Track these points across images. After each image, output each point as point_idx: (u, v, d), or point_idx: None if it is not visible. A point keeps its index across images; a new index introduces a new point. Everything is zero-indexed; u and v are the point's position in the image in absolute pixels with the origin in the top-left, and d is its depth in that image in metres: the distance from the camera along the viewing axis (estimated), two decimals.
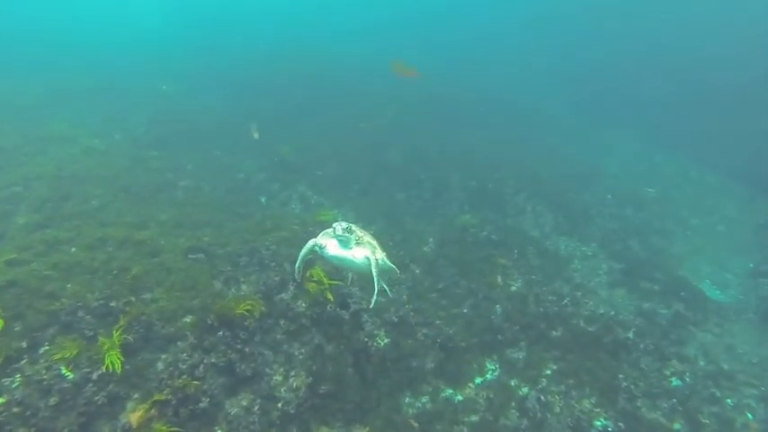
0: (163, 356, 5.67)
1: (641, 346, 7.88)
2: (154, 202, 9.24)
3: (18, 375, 5.13)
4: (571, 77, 30.09)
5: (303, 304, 6.87)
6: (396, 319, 7.75)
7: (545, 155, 18.66)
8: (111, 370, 5.15)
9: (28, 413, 4.75)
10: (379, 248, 5.47)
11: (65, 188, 9.10)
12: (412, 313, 7.99)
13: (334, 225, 5.13)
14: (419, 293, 8.81)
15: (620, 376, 7.25)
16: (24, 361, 5.27)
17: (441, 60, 32.18)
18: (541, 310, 8.59)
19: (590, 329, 8.15)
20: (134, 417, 4.88)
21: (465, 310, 8.58)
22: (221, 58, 25.26)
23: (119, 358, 5.28)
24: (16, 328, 5.62)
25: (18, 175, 9.83)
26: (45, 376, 5.06)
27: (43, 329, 5.64)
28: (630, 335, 8.06)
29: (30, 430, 4.58)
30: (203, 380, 5.39)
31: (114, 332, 5.51)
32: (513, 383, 7.35)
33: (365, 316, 7.56)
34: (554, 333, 8.14)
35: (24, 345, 5.41)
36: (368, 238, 5.44)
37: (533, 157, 17.70)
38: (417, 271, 9.51)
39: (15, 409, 4.74)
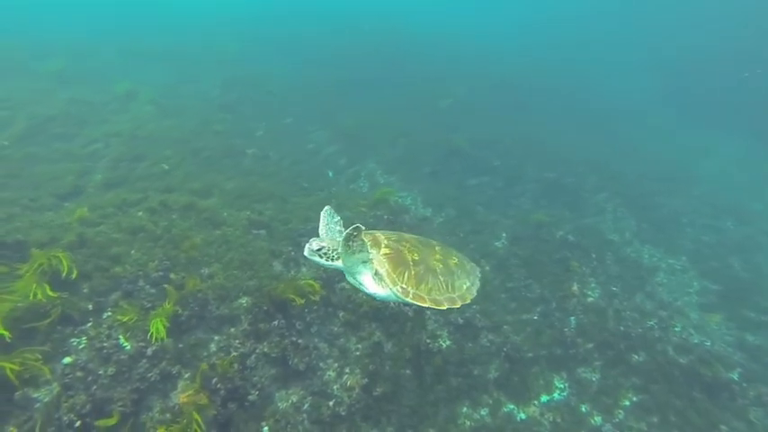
0: (216, 338, 5.48)
1: (751, 393, 6.74)
2: (220, 168, 9.13)
3: (84, 338, 5.14)
4: (658, 69, 27.24)
5: (365, 297, 6.46)
6: (461, 321, 7.17)
7: (628, 153, 17.00)
8: (156, 338, 5.03)
9: (89, 379, 4.72)
10: (407, 275, 3.91)
11: (139, 148, 9.21)
12: (478, 315, 7.36)
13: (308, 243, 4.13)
14: (487, 293, 8.14)
15: (723, 428, 6.24)
16: (90, 324, 5.28)
17: (515, 46, 30.32)
18: (621, 328, 7.66)
19: (681, 361, 7.14)
20: (183, 399, 4.70)
21: (535, 317, 7.84)
22: (298, 26, 25.06)
23: (164, 325, 5.14)
24: (84, 290, 5.66)
25: (101, 131, 10.12)
26: (105, 344, 5.02)
27: (107, 294, 5.64)
28: (735, 376, 6.95)
29: (89, 398, 4.51)
30: (254, 370, 5.13)
31: (167, 304, 5.37)
32: (583, 409, 6.60)
33: (429, 314, 7.05)
34: (635, 357, 7.22)
35: (90, 307, 5.43)
36: (385, 256, 3.97)
37: (615, 155, 16.15)
38: (487, 268, 8.82)
39: (79, 373, 4.73)
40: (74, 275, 5.51)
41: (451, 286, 4.09)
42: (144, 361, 4.95)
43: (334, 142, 12.31)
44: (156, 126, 10.44)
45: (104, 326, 5.26)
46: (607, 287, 8.80)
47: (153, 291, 5.75)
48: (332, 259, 4.11)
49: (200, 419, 4.44)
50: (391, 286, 3.89)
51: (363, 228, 3.97)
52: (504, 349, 7.01)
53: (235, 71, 16.70)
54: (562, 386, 6.98)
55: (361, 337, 6.27)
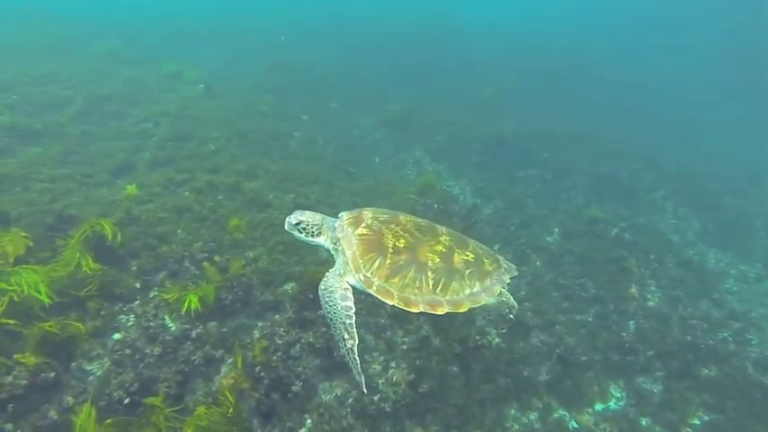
0: (259, 324, 5.36)
1: None
2: (266, 150, 9.04)
3: (132, 316, 5.14)
4: (730, 55, 25.13)
5: None
6: (511, 317, 6.75)
7: (691, 148, 15.85)
8: (190, 308, 4.96)
9: (137, 357, 4.71)
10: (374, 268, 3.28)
11: (186, 128, 9.23)
12: (530, 313, 6.95)
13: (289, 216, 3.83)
14: (538, 289, 7.70)
15: None
16: (137, 302, 5.28)
17: (566, 32, 28.88)
18: (688, 337, 7.05)
19: (765, 381, 6.47)
20: (226, 384, 4.58)
21: (590, 319, 7.34)
22: (344, 11, 24.79)
23: (196, 297, 5.04)
24: (133, 267, 5.66)
25: (151, 111, 10.24)
26: (152, 323, 4.99)
27: (154, 273, 5.62)
28: None
29: (136, 376, 4.48)
30: (298, 360, 4.95)
31: (207, 286, 5.26)
32: (644, 423, 6.10)
33: (478, 309, 6.70)
34: (705, 372, 6.62)
35: (138, 285, 5.43)
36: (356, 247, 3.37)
37: (676, 150, 15.07)
38: (538, 263, 8.36)
39: (128, 351, 4.72)
40: (118, 240, 5.51)
41: (443, 286, 3.25)
42: (188, 343, 4.88)
43: (380, 128, 12.03)
44: (202, 106, 10.48)
45: (151, 305, 5.24)
46: (669, 291, 8.16)
47: (197, 272, 5.69)
48: (311, 235, 3.73)
49: (236, 403, 4.29)
50: (353, 273, 3.29)
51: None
52: (557, 351, 6.58)
53: (280, 54, 16.65)
54: (619, 395, 6.49)
55: (408, 330, 6.02)
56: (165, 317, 5.09)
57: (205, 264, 5.58)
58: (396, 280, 3.25)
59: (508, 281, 3.65)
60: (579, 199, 11.81)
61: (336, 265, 3.52)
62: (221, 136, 8.99)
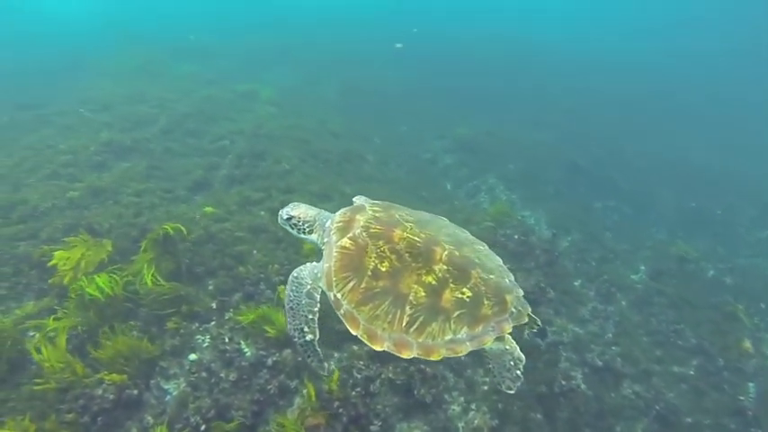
0: (336, 355, 5.10)
1: None
2: (340, 172, 8.98)
3: (208, 336, 5.08)
4: None
5: None
6: (600, 363, 6.14)
7: None
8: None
9: (212, 381, 4.60)
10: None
11: (261, 146, 9.39)
12: (619, 359, 6.26)
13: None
14: (627, 332, 6.99)
15: None
16: (213, 323, 5.21)
17: (640, 51, 27.49)
18: None
19: None
20: (300, 417, 4.35)
21: (691, 372, 6.52)
22: (415, 31, 25.06)
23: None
24: (210, 286, 5.64)
25: (227, 129, 10.57)
26: (228, 347, 4.88)
27: (230, 294, 5.55)
28: None
29: (213, 402, 4.36)
30: (377, 397, 4.64)
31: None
32: None
33: (562, 349, 6.14)
34: None
35: (214, 306, 5.38)
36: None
37: None
38: (624, 303, 7.64)
39: (204, 374, 4.62)
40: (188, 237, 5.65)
41: (418, 326, 2.75)
42: (264, 371, 4.71)
43: (451, 152, 11.79)
44: (276, 125, 10.67)
45: (226, 327, 5.17)
46: None
47: (272, 295, 5.57)
48: (303, 232, 3.44)
49: None
50: (326, 289, 2.99)
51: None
52: (657, 407, 5.84)
53: (351, 74, 16.92)
54: None
55: (488, 370, 5.56)
56: (241, 341, 4.97)
57: (280, 287, 5.46)
58: (366, 308, 2.83)
59: (509, 330, 2.92)
60: (663, 234, 10.92)
61: (318, 264, 3.15)
62: (294, 156, 9.05)
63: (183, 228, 5.80)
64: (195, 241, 6.12)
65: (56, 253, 5.61)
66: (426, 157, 11.59)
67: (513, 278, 3.10)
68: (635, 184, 12.76)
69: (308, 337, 3.06)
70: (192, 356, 4.95)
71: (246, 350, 4.93)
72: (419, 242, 2.90)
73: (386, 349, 2.77)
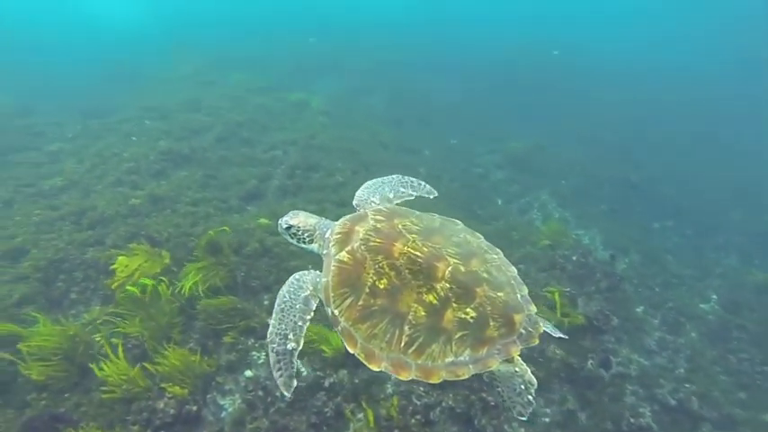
0: (393, 377, 4.93)
1: None
2: None
3: (263, 353, 5.04)
4: None
5: (559, 351, 5.47)
6: (672, 402, 5.70)
7: None
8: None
9: (268, 400, 4.54)
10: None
11: (313, 157, 9.41)
12: (695, 398, 5.78)
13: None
14: (702, 368, 6.47)
15: None
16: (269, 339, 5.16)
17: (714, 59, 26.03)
18: None
19: None
20: None
21: None
22: (465, 44, 24.87)
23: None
24: (265, 302, 5.62)
25: (279, 138, 10.69)
26: None
27: None
28: None
29: (270, 424, 4.31)
30: (437, 426, 4.45)
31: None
32: None
33: (627, 382, 5.75)
34: None
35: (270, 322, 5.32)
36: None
37: None
38: (694, 335, 7.10)
39: (260, 393, 4.58)
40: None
41: (417, 347, 2.62)
42: (321, 393, 4.62)
43: (502, 167, 11.50)
44: (328, 136, 10.70)
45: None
46: None
47: (329, 314, 5.48)
48: (303, 242, 3.26)
49: None
50: (324, 305, 2.85)
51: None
52: None
53: (398, 84, 16.89)
54: None
55: (550, 399, 5.29)
56: (298, 361, 4.88)
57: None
58: (363, 327, 2.68)
59: (516, 353, 2.69)
60: (734, 260, 10.16)
61: (321, 275, 2.96)
62: (347, 167, 9.02)
63: (233, 239, 5.82)
64: (250, 254, 6.15)
65: (119, 257, 5.78)
66: (477, 172, 11.34)
67: (526, 293, 2.84)
68: (697, 204, 12.01)
69: (290, 345, 2.85)
70: (248, 373, 4.93)
71: (303, 370, 4.86)
72: (420, 258, 2.72)
73: (383, 370, 2.63)
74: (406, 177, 3.72)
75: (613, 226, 10.42)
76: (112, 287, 5.48)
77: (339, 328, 2.76)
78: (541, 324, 2.76)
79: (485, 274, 2.74)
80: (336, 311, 2.75)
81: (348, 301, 2.73)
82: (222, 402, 4.67)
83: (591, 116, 16.69)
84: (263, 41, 23.25)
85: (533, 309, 2.77)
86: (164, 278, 5.34)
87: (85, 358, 4.69)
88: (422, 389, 4.65)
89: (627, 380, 5.78)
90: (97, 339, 4.97)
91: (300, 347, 2.82)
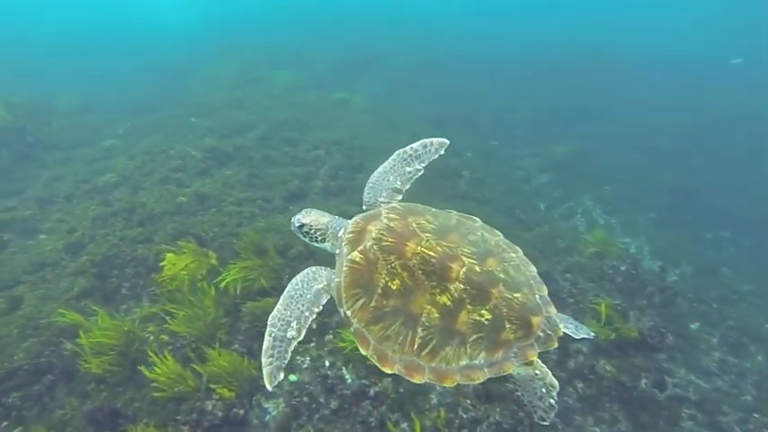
0: (437, 388, 4.85)
1: None
2: (437, 189, 8.73)
3: (308, 358, 5.03)
4: None
5: (610, 368, 5.24)
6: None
7: None
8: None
9: (313, 406, 4.53)
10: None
11: (357, 158, 9.38)
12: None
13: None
14: None
15: None
16: (313, 344, 5.16)
17: None
18: None
19: None
20: None
21: None
22: (509, 37, 24.40)
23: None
24: None
25: (321, 138, 10.72)
26: (329, 372, 4.80)
27: (330, 315, 5.45)
28: None
29: (312, 431, 4.29)
30: None
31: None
32: None
33: (685, 406, 5.43)
34: None
35: (314, 326, 5.32)
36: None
37: None
38: (760, 358, 6.64)
39: (305, 399, 4.57)
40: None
41: (431, 350, 2.56)
42: (366, 402, 4.56)
43: (545, 171, 11.18)
44: (371, 136, 10.65)
45: (326, 349, 5.10)
46: None
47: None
48: (315, 240, 3.22)
49: None
50: (337, 305, 2.79)
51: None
52: None
53: (437, 83, 16.69)
54: None
55: (599, 418, 5.07)
56: (343, 368, 4.87)
57: None
58: (376, 328, 2.63)
59: (533, 357, 2.57)
60: None
61: (334, 275, 2.90)
62: None
63: (278, 241, 5.85)
64: (295, 257, 6.17)
65: (167, 255, 5.90)
66: (519, 175, 11.07)
67: (546, 293, 2.70)
68: (757, 214, 11.23)
69: (291, 333, 2.76)
70: (292, 377, 4.94)
71: (348, 377, 4.83)
72: (434, 258, 2.63)
73: (396, 372, 2.58)
74: (408, 148, 3.55)
75: (662, 235, 9.92)
76: (160, 284, 5.63)
77: (352, 329, 2.73)
78: (562, 326, 2.65)
79: (501, 275, 2.64)
80: (349, 312, 2.72)
81: (360, 302, 2.69)
82: (266, 405, 4.70)
83: (643, 120, 15.93)
84: (305, 38, 23.46)
85: (553, 310, 2.66)
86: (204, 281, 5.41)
87: (138, 354, 4.82)
88: (468, 402, 4.53)
89: (684, 403, 5.45)
90: (148, 337, 5.11)
91: (301, 338, 2.77)
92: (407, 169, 3.54)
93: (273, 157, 9.91)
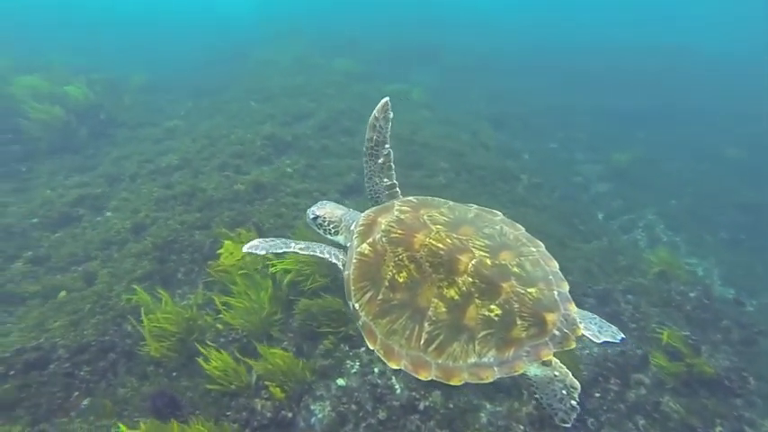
0: (488, 407, 4.66)
1: None
2: (494, 192, 8.43)
3: (357, 363, 4.96)
4: None
5: (677, 407, 4.88)
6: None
7: None
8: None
9: (360, 414, 4.45)
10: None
11: (415, 154, 9.17)
12: None
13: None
14: None
15: None
16: (363, 349, 5.08)
17: None
18: None
19: None
20: None
21: None
22: (572, 38, 23.28)
23: None
24: None
25: None
26: (378, 380, 4.70)
27: None
28: None
29: None
30: None
31: None
32: None
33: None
34: None
35: None
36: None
37: None
38: None
39: (353, 407, 4.51)
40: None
41: (437, 345, 2.43)
42: (416, 416, 4.45)
43: (605, 179, 10.60)
44: (430, 132, 10.39)
45: (376, 355, 4.99)
46: None
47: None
48: (329, 233, 3.26)
49: None
50: (347, 298, 2.81)
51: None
52: None
53: (497, 80, 16.14)
54: None
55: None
56: (393, 377, 4.76)
57: None
58: (383, 322, 2.60)
59: (548, 356, 2.39)
60: None
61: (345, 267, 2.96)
62: (450, 168, 8.67)
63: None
64: None
65: (225, 242, 5.96)
66: (577, 181, 10.52)
67: (566, 290, 2.52)
68: None
69: (296, 246, 3.03)
70: (340, 381, 4.87)
71: (398, 387, 4.72)
72: (442, 250, 2.55)
73: (402, 368, 2.53)
74: (365, 143, 3.58)
75: (736, 258, 9.15)
76: (216, 272, 5.70)
77: (360, 322, 2.70)
78: (582, 326, 2.46)
79: (516, 269, 2.51)
80: (357, 305, 2.69)
81: (368, 295, 2.66)
82: (313, 407, 4.67)
83: (711, 128, 14.74)
84: (360, 24, 23.29)
85: (573, 308, 2.48)
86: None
87: (195, 342, 4.91)
88: (522, 427, 4.31)
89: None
90: (207, 327, 5.20)
91: (304, 250, 2.97)
92: (379, 161, 3.58)
93: (331, 147, 9.86)
